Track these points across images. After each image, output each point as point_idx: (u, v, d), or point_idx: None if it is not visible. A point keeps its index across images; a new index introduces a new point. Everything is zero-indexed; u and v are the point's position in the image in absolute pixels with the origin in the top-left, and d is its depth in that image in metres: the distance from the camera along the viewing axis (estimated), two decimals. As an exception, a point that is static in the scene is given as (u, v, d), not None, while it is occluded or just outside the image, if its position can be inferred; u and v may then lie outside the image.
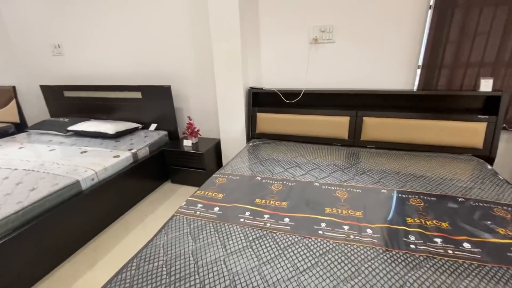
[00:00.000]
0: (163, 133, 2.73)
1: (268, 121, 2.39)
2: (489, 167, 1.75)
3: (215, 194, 1.45)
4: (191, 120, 2.58)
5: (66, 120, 2.91)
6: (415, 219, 1.19)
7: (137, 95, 2.78)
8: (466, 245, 1.02)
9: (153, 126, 2.83)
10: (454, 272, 0.90)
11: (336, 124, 2.19)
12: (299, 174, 1.68)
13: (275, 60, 2.43)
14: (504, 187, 1.45)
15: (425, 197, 1.37)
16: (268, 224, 1.19)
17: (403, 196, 1.39)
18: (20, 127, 3.16)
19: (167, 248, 1.07)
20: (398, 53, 2.07)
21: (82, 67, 3.11)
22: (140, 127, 2.84)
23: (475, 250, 0.99)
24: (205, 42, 2.46)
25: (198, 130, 2.61)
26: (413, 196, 1.39)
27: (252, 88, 2.37)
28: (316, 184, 1.55)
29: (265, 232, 1.13)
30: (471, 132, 1.88)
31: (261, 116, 2.41)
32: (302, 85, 2.37)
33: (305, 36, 2.25)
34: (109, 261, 1.66)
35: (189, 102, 2.82)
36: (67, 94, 3.09)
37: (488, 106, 1.90)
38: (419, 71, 2.04)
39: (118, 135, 2.57)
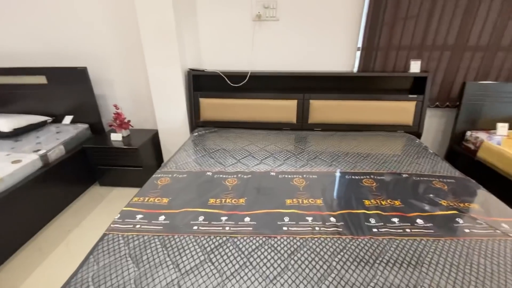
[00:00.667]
0: (82, 126, 2.23)
1: (213, 107, 2.17)
2: (418, 141, 1.94)
3: (158, 200, 1.21)
4: (118, 109, 2.16)
5: None
6: (372, 201, 1.20)
7: (41, 79, 2.17)
8: (419, 221, 1.07)
9: (68, 119, 2.29)
10: (416, 251, 0.92)
11: (284, 108, 2.12)
12: (253, 164, 1.55)
13: (216, 39, 2.18)
14: (435, 160, 1.61)
15: (375, 177, 1.41)
16: (227, 228, 1.04)
17: (356, 177, 1.41)
18: None
19: (99, 280, 0.82)
20: (340, 35, 2.08)
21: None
22: (49, 121, 2.26)
23: (428, 225, 1.04)
24: (131, 12, 2.03)
25: (128, 121, 2.22)
26: (365, 176, 1.42)
27: (191, 69, 2.09)
28: (272, 173, 1.45)
29: (224, 239, 0.98)
30: (403, 110, 2.05)
31: (204, 102, 2.16)
32: (247, 66, 2.20)
33: (248, 12, 2.05)
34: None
35: (115, 88, 2.36)
36: None
37: (416, 86, 2.08)
38: (358, 53, 2.09)
39: (18, 133, 1.99)
